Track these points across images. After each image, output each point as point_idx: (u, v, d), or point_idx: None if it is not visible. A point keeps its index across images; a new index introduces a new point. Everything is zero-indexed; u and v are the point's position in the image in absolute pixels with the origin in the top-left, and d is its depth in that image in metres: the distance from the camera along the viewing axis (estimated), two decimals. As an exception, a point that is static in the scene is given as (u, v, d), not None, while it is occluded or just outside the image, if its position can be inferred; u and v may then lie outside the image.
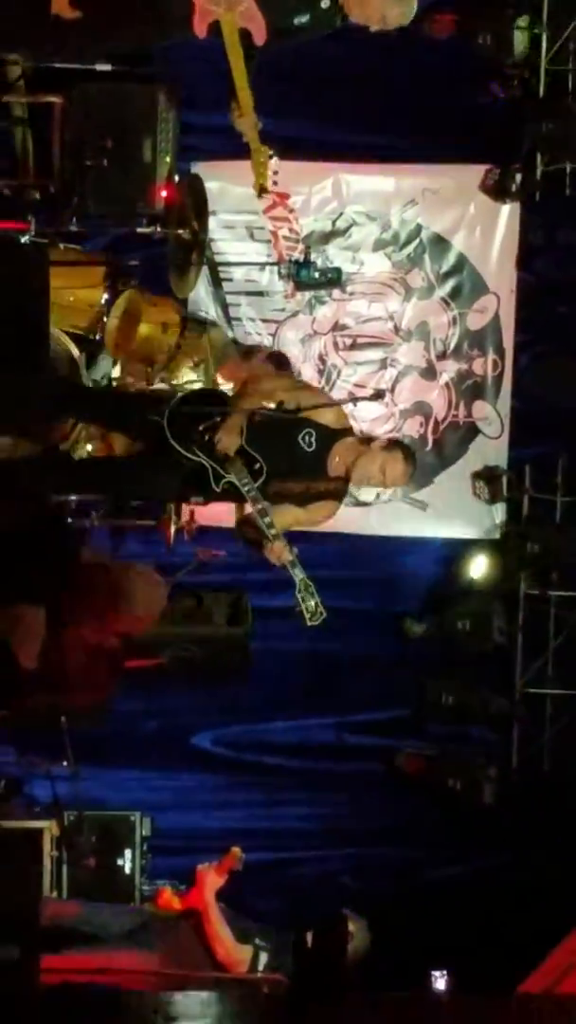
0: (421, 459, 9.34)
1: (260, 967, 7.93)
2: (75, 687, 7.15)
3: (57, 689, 7.17)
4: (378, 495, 9.18)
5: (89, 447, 8.05)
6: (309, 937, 7.66)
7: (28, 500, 7.38)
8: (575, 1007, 6.21)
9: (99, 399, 8.04)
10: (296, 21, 7.42)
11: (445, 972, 8.14)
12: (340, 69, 8.48)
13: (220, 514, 8.04)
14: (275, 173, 7.60)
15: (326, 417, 7.34)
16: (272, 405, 7.30)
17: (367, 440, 7.36)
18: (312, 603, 7.21)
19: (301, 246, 9.23)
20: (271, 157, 7.39)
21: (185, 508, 8.46)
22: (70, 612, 6.90)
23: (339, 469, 7.21)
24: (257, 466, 7.13)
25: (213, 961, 7.95)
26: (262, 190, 7.60)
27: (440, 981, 8.14)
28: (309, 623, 7.23)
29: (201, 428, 7.15)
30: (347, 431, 7.32)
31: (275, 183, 7.66)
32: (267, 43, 7.45)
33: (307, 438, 7.30)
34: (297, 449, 7.20)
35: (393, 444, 7.38)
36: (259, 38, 7.24)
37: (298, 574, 7.21)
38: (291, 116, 8.31)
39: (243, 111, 7.29)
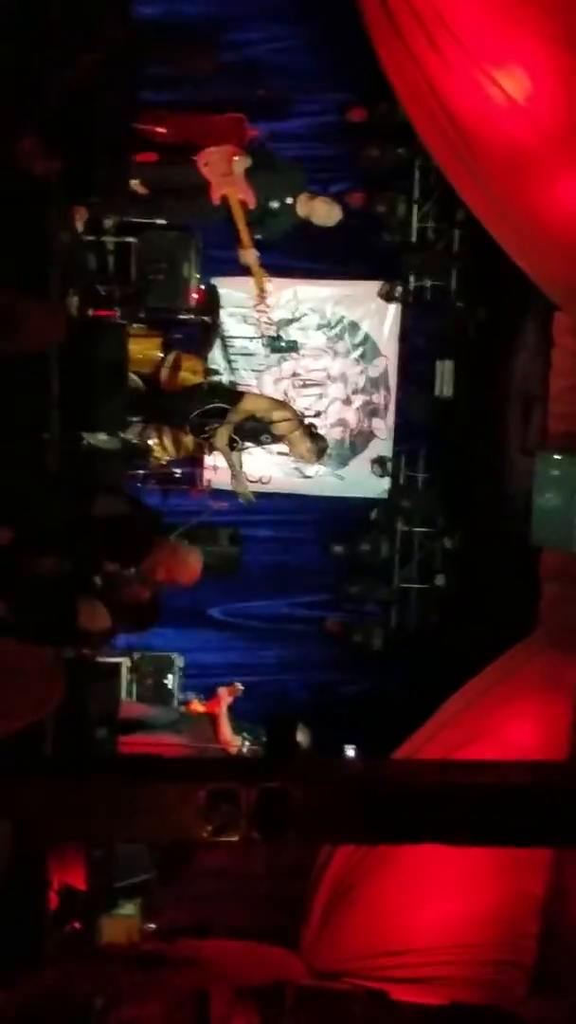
0: (341, 451, 9.45)
1: (245, 749, 8.08)
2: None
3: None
4: (317, 471, 9.30)
5: (151, 441, 8.09)
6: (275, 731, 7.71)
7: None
8: (422, 766, 6.19)
9: (156, 406, 8.07)
10: (270, 204, 7.48)
11: (353, 746, 8.28)
12: (299, 228, 8.23)
13: (224, 481, 8.18)
14: (270, 286, 7.64)
15: (281, 425, 7.56)
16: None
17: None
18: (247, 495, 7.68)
19: (274, 328, 9.18)
20: (267, 275, 7.50)
21: (204, 477, 8.53)
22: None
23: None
24: (236, 445, 7.45)
25: (219, 743, 8.07)
26: (261, 290, 7.68)
27: (350, 751, 8.27)
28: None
29: (206, 428, 7.45)
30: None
31: (270, 290, 7.66)
32: (255, 215, 7.51)
33: (265, 438, 7.54)
34: (261, 441, 7.47)
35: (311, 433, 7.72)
36: (251, 204, 7.31)
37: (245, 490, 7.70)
38: (272, 252, 8.24)
39: (245, 245, 7.36)
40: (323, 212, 7.69)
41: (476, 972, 6.55)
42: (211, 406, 7.58)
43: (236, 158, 7.43)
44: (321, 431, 8.03)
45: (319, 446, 7.77)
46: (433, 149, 7.73)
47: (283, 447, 7.73)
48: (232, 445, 7.60)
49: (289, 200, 7.44)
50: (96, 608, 5.78)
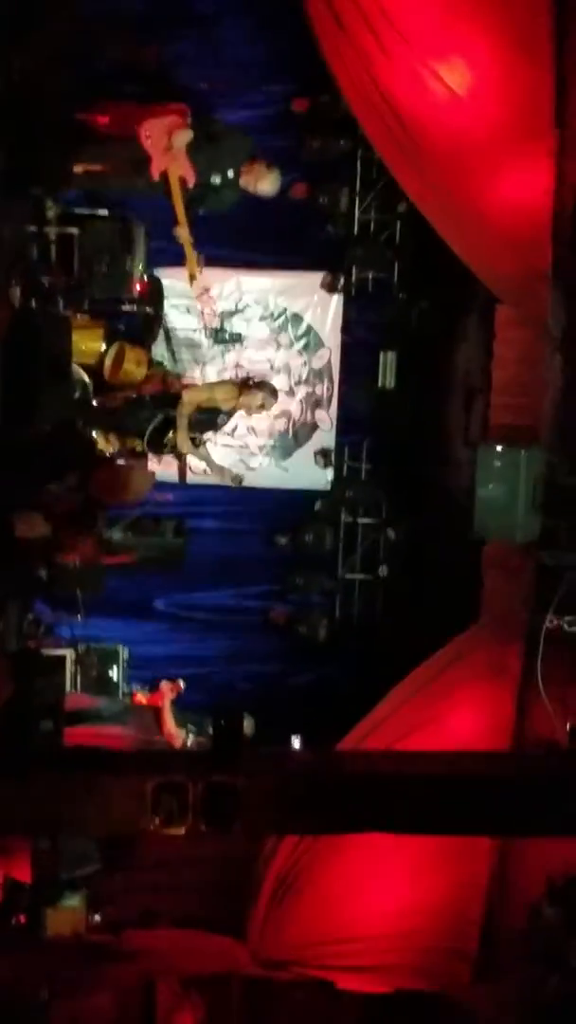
0: (285, 442, 9.45)
1: (189, 741, 8.09)
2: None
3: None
4: (260, 463, 9.29)
5: (94, 433, 8.04)
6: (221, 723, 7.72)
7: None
8: (368, 757, 6.21)
9: (104, 419, 8.06)
10: (212, 180, 7.46)
11: (298, 737, 8.29)
12: (242, 218, 8.37)
13: (167, 474, 8.19)
14: (201, 270, 7.60)
15: (227, 400, 7.66)
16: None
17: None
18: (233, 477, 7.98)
19: (217, 319, 9.14)
20: (200, 256, 7.48)
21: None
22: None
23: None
24: (194, 438, 7.49)
25: (162, 734, 8.08)
26: (192, 276, 7.66)
27: (296, 742, 8.29)
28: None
29: (164, 441, 7.48)
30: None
31: (201, 272, 7.62)
32: (196, 192, 7.51)
33: (222, 419, 7.60)
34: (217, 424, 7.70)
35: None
36: (190, 181, 7.32)
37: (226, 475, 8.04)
38: (215, 243, 8.25)
39: (180, 222, 7.37)
40: (266, 182, 7.69)
41: (420, 959, 6.60)
42: (158, 420, 7.64)
43: (177, 132, 7.42)
44: (263, 419, 8.04)
45: (267, 390, 7.86)
46: (376, 141, 7.76)
47: (238, 426, 7.77)
48: (195, 443, 7.66)
49: (232, 173, 7.44)
50: (30, 516, 5.76)
